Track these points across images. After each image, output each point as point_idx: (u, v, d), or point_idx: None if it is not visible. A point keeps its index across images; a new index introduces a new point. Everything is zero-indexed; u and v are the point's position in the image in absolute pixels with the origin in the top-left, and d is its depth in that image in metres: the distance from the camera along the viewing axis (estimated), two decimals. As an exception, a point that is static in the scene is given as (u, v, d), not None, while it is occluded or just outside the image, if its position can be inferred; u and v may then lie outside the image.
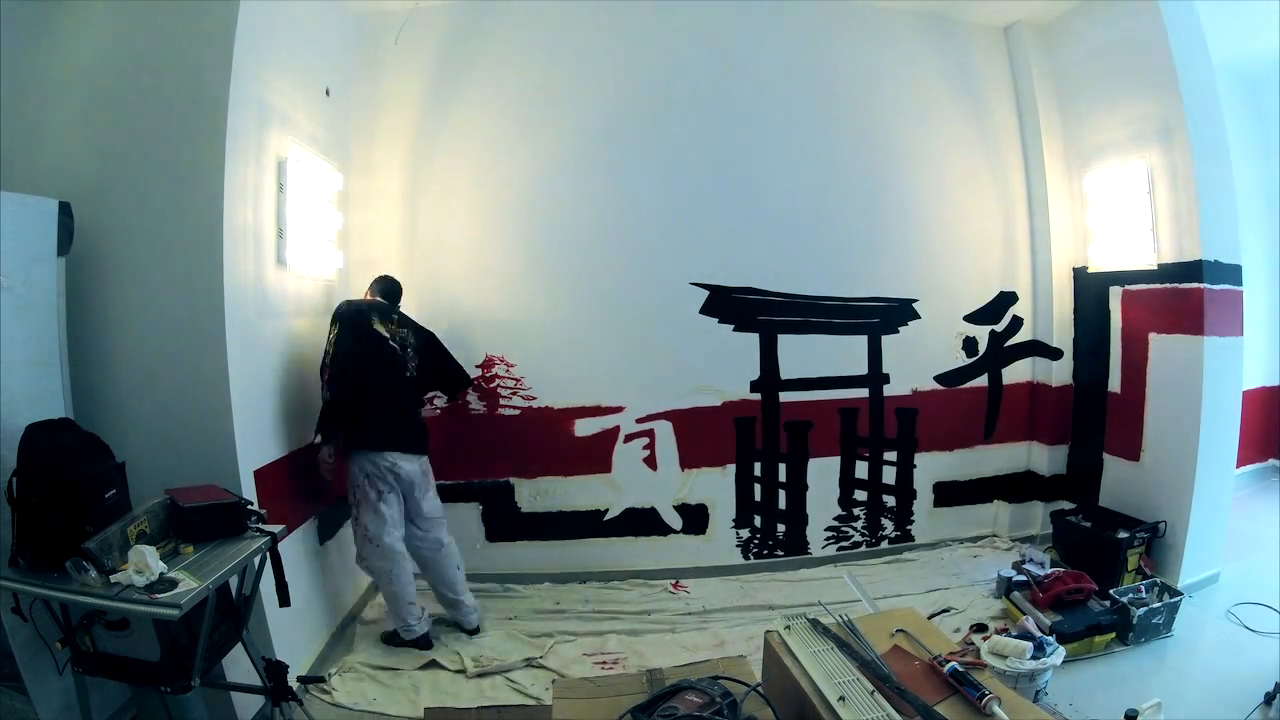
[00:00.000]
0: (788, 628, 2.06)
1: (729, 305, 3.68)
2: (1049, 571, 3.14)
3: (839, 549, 3.89)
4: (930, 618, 2.91)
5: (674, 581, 3.64)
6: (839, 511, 3.90)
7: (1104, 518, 3.46)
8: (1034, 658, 2.46)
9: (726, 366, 3.71)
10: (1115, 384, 3.64)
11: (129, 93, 2.40)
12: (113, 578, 1.71)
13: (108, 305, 2.35)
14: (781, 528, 3.84)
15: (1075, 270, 3.91)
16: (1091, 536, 3.38)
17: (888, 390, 3.88)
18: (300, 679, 2.49)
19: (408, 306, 3.58)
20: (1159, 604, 2.89)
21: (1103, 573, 3.17)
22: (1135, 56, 3.37)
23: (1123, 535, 3.23)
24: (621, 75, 3.61)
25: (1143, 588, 2.98)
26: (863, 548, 3.91)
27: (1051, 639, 2.58)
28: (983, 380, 4.02)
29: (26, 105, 2.41)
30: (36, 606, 1.83)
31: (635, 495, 3.72)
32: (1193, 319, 3.21)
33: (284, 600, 2.12)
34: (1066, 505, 3.83)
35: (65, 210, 2.18)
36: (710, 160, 3.64)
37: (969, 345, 3.98)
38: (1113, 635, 2.86)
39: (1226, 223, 3.25)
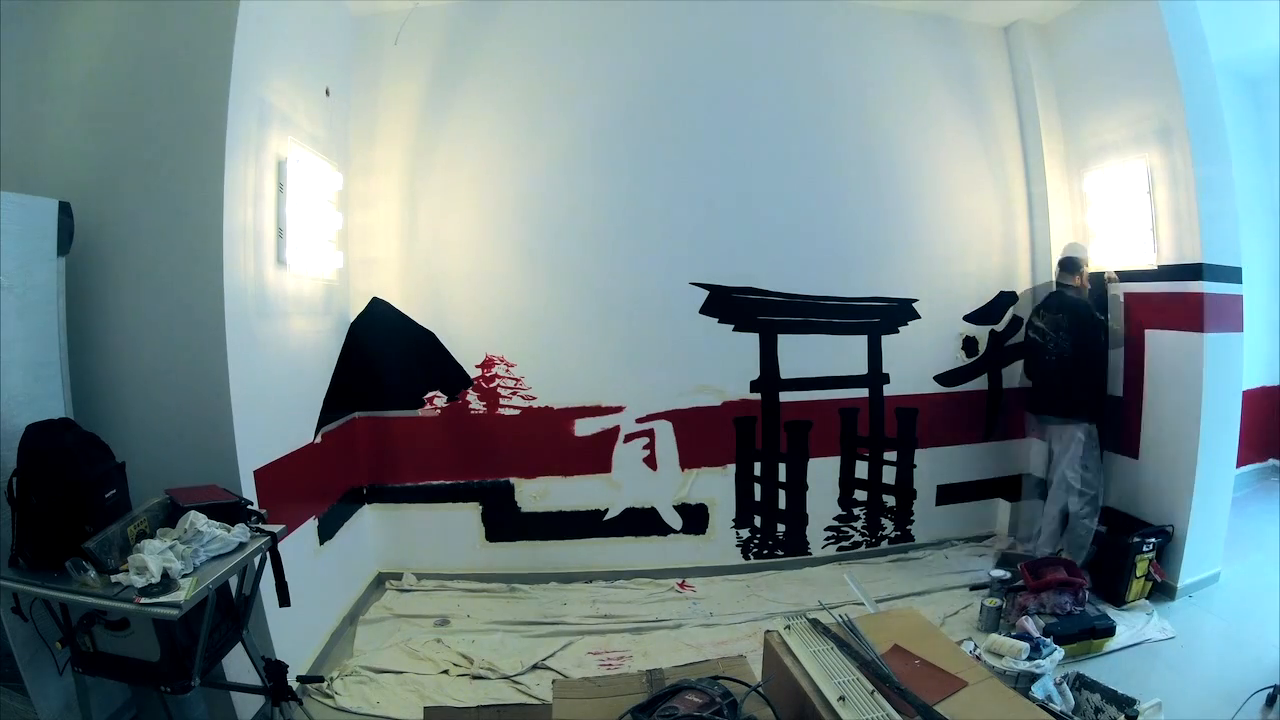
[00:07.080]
0: (788, 628, 2.06)
1: (729, 305, 3.68)
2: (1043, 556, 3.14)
3: (839, 549, 3.89)
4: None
5: (680, 581, 3.64)
6: (839, 511, 3.89)
7: (1113, 520, 3.43)
8: (1030, 659, 2.46)
9: (726, 366, 3.71)
10: (1115, 384, 3.63)
11: (129, 93, 2.40)
12: (112, 578, 1.71)
13: (108, 305, 2.35)
14: (781, 528, 3.84)
15: (1075, 271, 3.90)
16: (1101, 539, 3.36)
17: (888, 390, 3.88)
18: (300, 679, 2.49)
19: (407, 306, 3.59)
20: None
21: (1110, 576, 3.17)
22: (1135, 56, 3.37)
23: (1135, 539, 3.17)
24: (622, 75, 3.60)
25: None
26: (863, 548, 3.91)
27: (1049, 640, 2.59)
28: (983, 380, 4.02)
29: (26, 105, 2.41)
30: (36, 606, 1.83)
31: (635, 495, 3.72)
32: (1193, 319, 3.21)
33: (284, 600, 2.12)
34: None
35: (65, 210, 2.18)
36: (710, 160, 3.64)
37: (969, 345, 3.97)
38: (1110, 637, 2.86)
39: (1226, 223, 3.24)
